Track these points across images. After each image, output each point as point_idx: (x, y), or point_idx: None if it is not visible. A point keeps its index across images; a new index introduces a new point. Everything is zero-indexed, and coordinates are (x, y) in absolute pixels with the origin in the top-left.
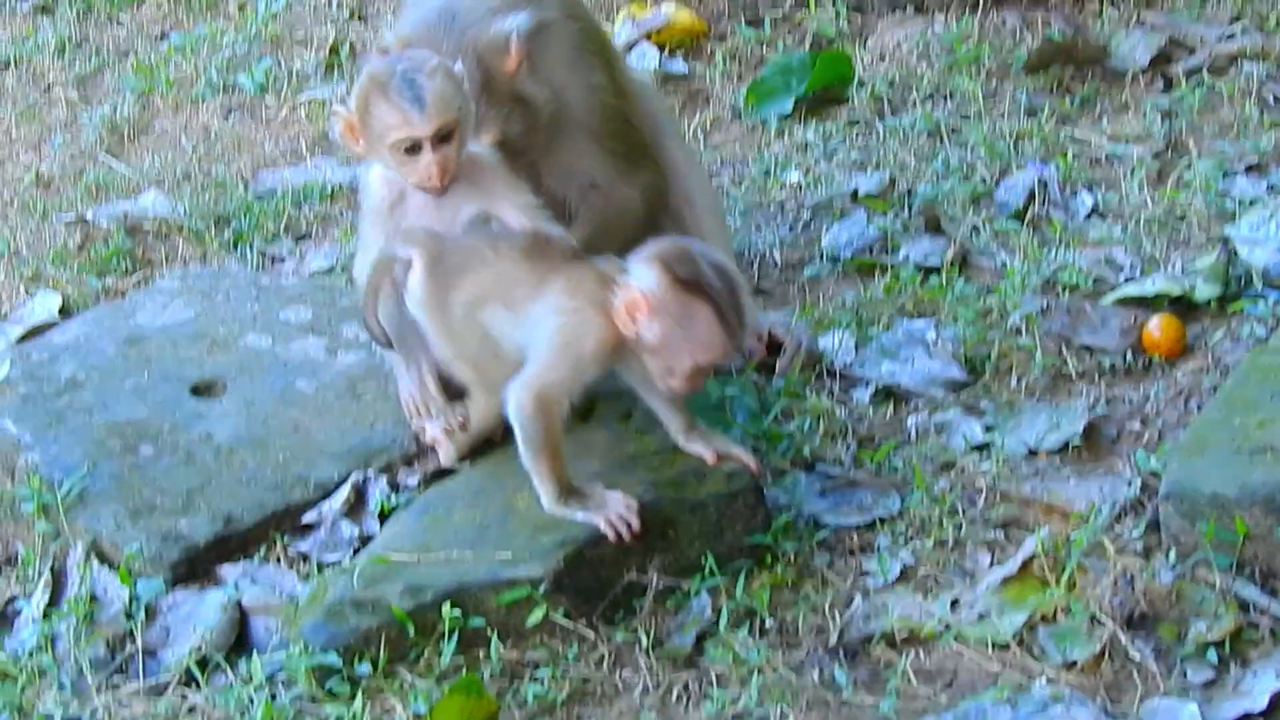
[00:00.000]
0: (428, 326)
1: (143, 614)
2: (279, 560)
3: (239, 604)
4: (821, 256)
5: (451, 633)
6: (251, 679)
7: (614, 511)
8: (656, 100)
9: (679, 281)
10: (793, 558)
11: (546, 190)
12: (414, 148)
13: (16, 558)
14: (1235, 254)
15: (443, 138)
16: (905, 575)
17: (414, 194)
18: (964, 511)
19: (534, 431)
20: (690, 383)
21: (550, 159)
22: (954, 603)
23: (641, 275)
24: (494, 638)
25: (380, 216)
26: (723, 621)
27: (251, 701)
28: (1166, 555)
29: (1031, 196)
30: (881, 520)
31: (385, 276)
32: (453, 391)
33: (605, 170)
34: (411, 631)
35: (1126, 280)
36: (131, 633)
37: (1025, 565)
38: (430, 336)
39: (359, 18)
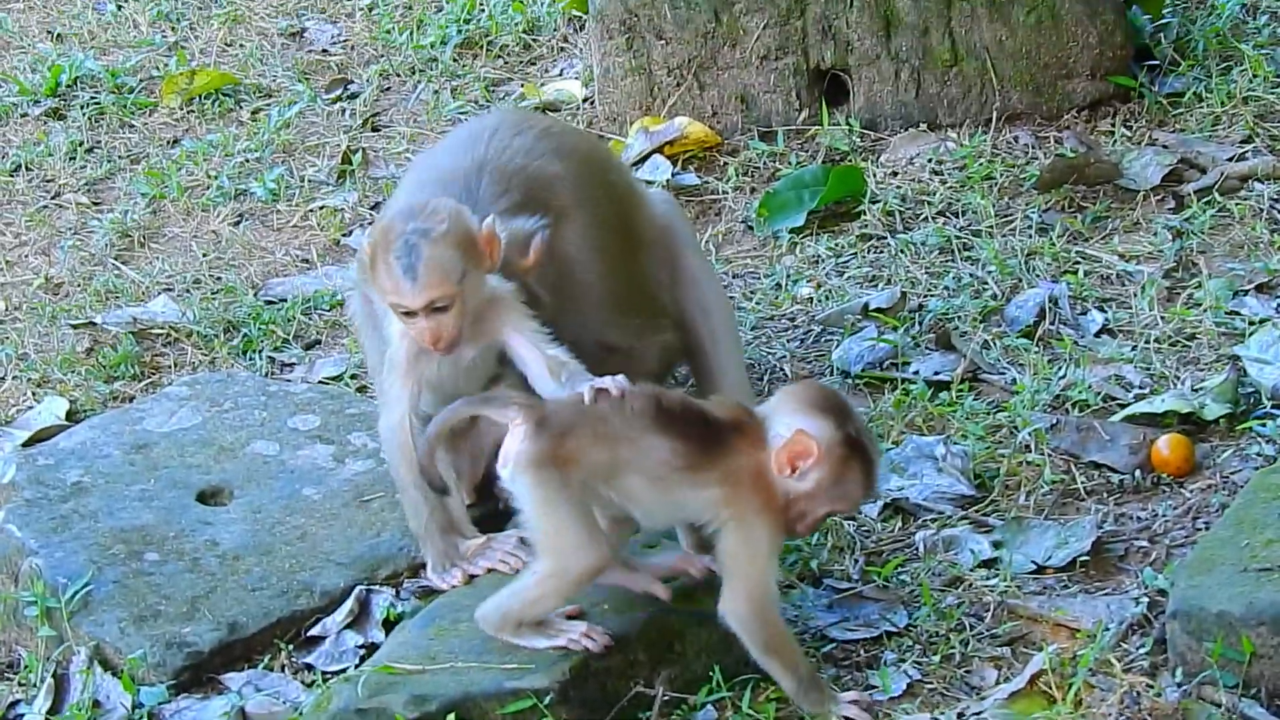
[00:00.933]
0: (530, 494)
1: None
2: (283, 668)
3: (243, 712)
4: (832, 370)
5: None
6: None
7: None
8: (674, 211)
9: (848, 436)
10: None
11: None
12: (409, 313)
13: (19, 663)
14: (1244, 373)
15: (438, 308)
16: (912, 690)
17: None
18: (971, 627)
19: (764, 635)
20: (814, 528)
21: (564, 325)
22: (960, 717)
23: (812, 424)
24: None
25: (402, 369)
26: None
27: None
28: (1173, 674)
29: (1042, 313)
30: (889, 635)
31: (453, 429)
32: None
33: (621, 334)
34: None
35: (1136, 398)
36: None
37: (1032, 682)
38: (530, 505)
39: (372, 127)
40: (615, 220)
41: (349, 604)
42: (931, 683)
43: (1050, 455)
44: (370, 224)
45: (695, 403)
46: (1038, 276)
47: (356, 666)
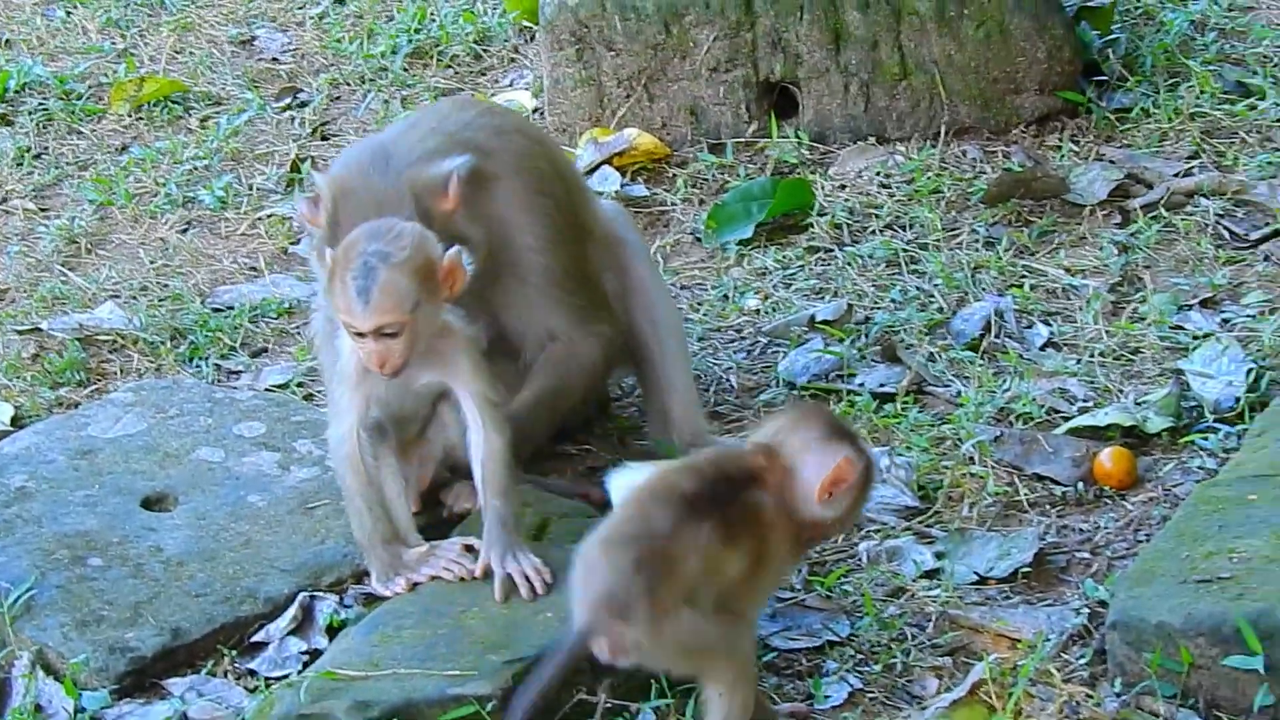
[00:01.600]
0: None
1: None
2: (226, 674)
3: (185, 717)
4: (778, 382)
5: None
6: None
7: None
8: (624, 221)
9: (868, 458)
10: None
11: (505, 339)
12: (359, 334)
13: None
14: (1187, 387)
15: (387, 334)
16: (853, 699)
17: None
18: (913, 637)
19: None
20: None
21: (509, 308)
22: None
23: (847, 450)
24: None
25: (351, 383)
26: None
27: None
28: (1112, 684)
29: (988, 327)
30: (831, 644)
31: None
32: None
33: (564, 321)
34: None
35: (1079, 411)
36: None
37: (973, 691)
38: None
39: (321, 135)
40: (556, 195)
41: (292, 610)
42: (873, 692)
43: (994, 467)
44: (315, 174)
45: (713, 465)
46: (984, 290)
47: (299, 672)
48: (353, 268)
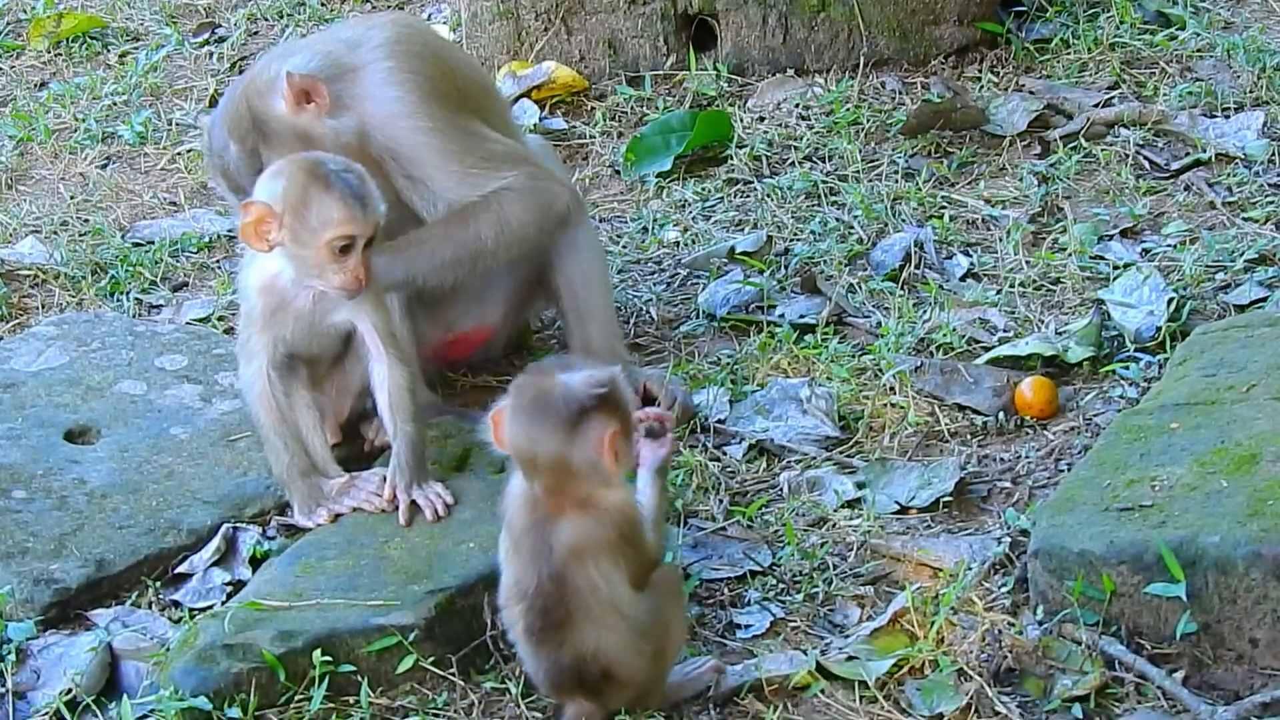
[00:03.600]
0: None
1: (13, 656)
2: (151, 605)
3: (110, 648)
4: (698, 313)
5: (322, 679)
6: None
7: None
8: (548, 155)
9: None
10: None
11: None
12: (348, 247)
13: None
14: (1108, 317)
15: (368, 241)
16: (775, 628)
17: (296, 300)
18: (834, 566)
19: None
20: None
21: (410, 189)
22: (823, 654)
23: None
24: (364, 684)
25: (259, 324)
26: None
27: None
28: (1034, 611)
29: (908, 258)
30: (753, 573)
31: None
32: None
33: (462, 186)
34: (282, 677)
35: (1000, 341)
36: (2, 675)
37: (895, 620)
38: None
39: (239, 71)
40: (430, 74)
41: (216, 542)
42: (795, 620)
43: (914, 397)
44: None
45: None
46: (903, 221)
47: (223, 603)
48: (335, 181)
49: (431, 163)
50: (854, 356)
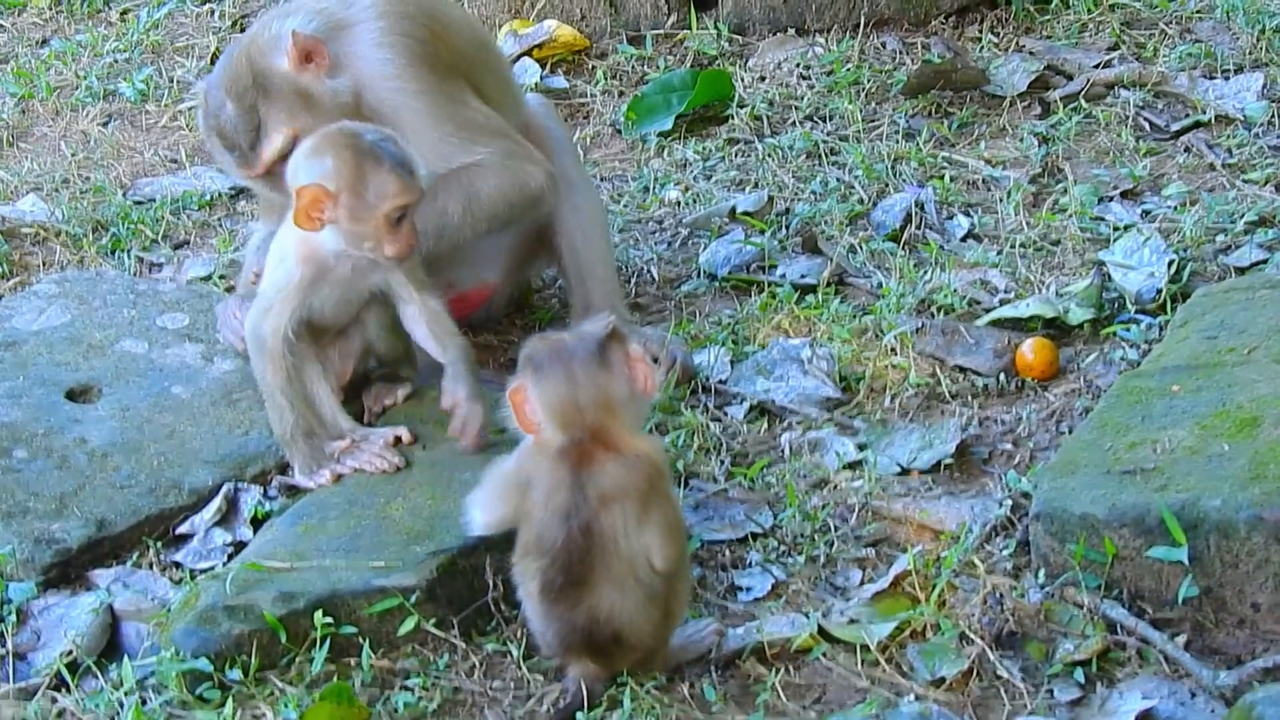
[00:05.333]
0: None
1: (14, 617)
2: (152, 565)
3: (111, 608)
4: (699, 273)
5: (323, 640)
6: (122, 684)
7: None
8: (548, 113)
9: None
10: None
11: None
12: (402, 216)
13: None
14: (1109, 279)
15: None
16: (777, 590)
17: (337, 269)
18: (836, 529)
19: None
20: None
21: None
22: (824, 617)
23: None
24: (366, 646)
25: (294, 290)
26: None
27: (122, 706)
28: (1036, 575)
29: (908, 218)
30: (754, 535)
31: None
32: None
33: (452, 152)
34: (283, 638)
35: (1001, 303)
36: (2, 635)
37: (896, 582)
38: None
39: (240, 29)
40: (421, 36)
41: (217, 502)
42: (796, 583)
43: (915, 358)
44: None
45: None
46: (904, 181)
47: (224, 564)
48: (384, 154)
49: (410, 126)
50: (855, 317)
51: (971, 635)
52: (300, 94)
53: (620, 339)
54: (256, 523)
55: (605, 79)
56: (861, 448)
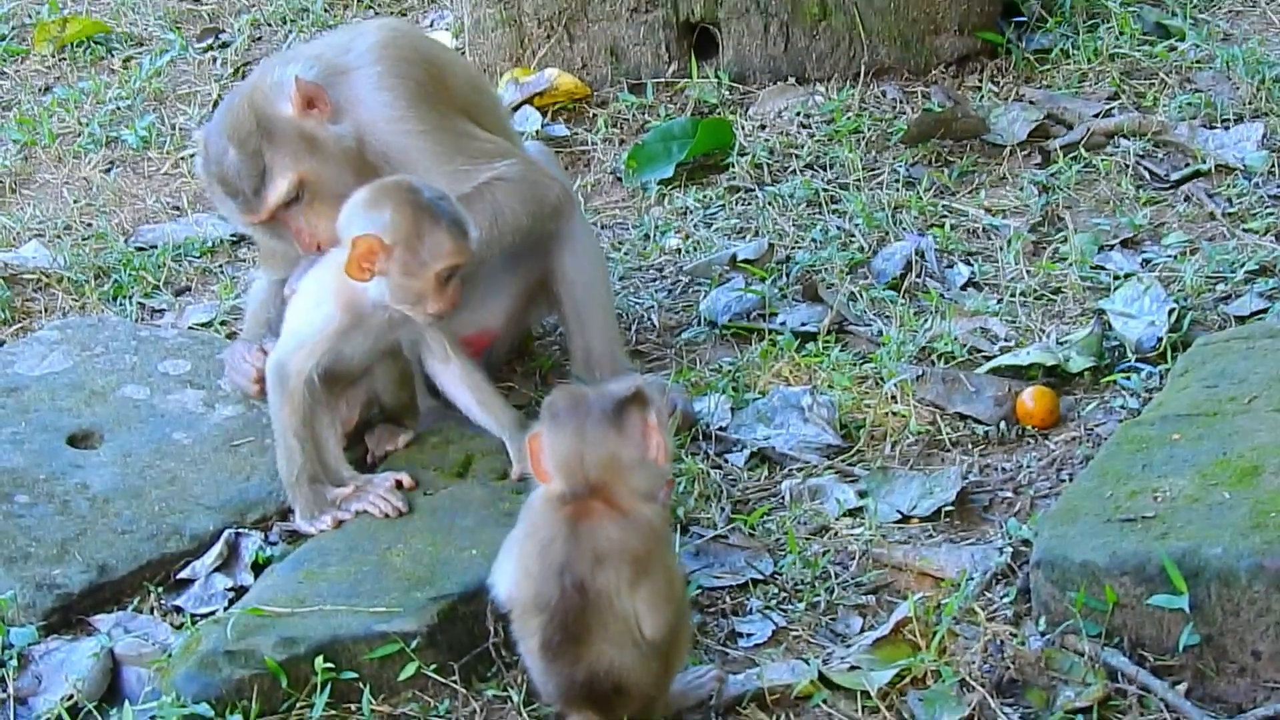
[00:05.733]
0: None
1: (15, 661)
2: (153, 610)
3: (112, 653)
4: (699, 321)
5: (324, 685)
6: None
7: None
8: (548, 161)
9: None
10: None
11: None
12: (451, 275)
13: None
14: (1109, 327)
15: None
16: (777, 637)
17: (373, 318)
18: (836, 575)
19: None
20: None
21: None
22: (825, 664)
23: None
24: (366, 691)
25: (328, 336)
26: None
27: None
28: (1036, 622)
29: (909, 266)
30: (755, 582)
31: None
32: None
33: (456, 179)
34: (284, 683)
35: (1001, 351)
36: (3, 680)
37: (897, 629)
38: None
39: (243, 76)
40: (419, 79)
41: (218, 547)
42: (797, 629)
43: (916, 406)
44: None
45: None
46: (904, 229)
47: (225, 609)
48: (442, 212)
49: (422, 165)
50: (855, 365)
51: (972, 682)
52: (305, 139)
53: (643, 404)
54: (257, 568)
55: (606, 127)
56: (862, 495)
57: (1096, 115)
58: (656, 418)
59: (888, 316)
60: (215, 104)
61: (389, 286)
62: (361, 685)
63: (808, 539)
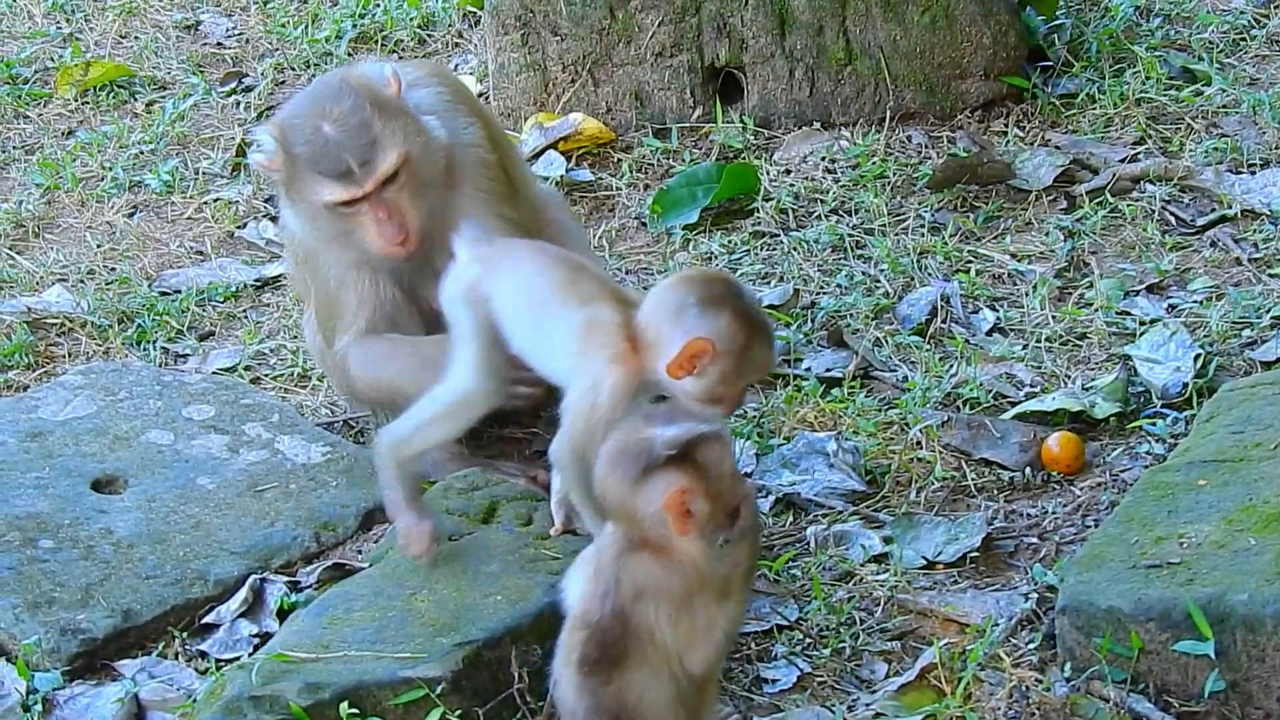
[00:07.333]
0: None
1: (40, 707)
2: (177, 656)
3: (136, 698)
4: None
5: None
6: None
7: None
8: (558, 204)
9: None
10: None
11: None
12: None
13: None
14: (1135, 373)
15: None
16: (802, 683)
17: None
18: (861, 621)
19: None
20: None
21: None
22: (850, 710)
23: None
24: None
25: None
26: None
27: None
28: (1062, 669)
29: (934, 312)
30: (780, 628)
31: None
32: None
33: (510, 208)
34: None
35: (1027, 396)
36: None
37: (922, 675)
38: None
39: (265, 119)
40: (474, 106)
41: (243, 592)
42: (822, 676)
43: (941, 452)
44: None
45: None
46: (930, 275)
47: (250, 654)
48: (768, 335)
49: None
50: (880, 410)
51: None
52: (411, 118)
53: (684, 469)
54: (282, 614)
55: (631, 172)
56: (887, 541)
57: (1122, 160)
58: (699, 484)
59: (913, 362)
60: (239, 148)
61: (697, 386)
62: None
63: (833, 585)
